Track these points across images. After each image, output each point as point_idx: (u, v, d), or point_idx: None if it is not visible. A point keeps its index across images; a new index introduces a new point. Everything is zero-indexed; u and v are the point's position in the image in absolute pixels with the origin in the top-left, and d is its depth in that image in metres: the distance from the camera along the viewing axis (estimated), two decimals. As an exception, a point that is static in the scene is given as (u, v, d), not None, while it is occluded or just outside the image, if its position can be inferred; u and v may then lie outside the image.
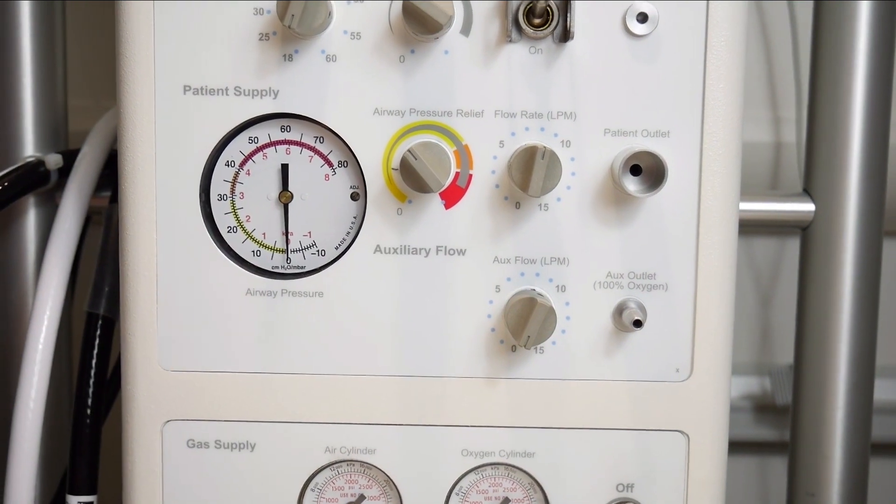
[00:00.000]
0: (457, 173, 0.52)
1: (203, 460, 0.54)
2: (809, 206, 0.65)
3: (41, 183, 0.64)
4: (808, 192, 0.65)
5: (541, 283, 0.53)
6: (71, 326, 0.68)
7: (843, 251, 0.64)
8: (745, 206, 0.64)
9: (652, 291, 0.53)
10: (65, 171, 0.64)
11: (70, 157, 0.63)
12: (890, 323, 0.84)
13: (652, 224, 0.52)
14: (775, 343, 0.96)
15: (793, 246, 0.92)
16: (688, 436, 0.54)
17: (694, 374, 0.53)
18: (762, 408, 0.93)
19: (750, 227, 0.67)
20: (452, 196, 0.52)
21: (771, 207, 0.65)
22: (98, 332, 0.59)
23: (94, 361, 0.59)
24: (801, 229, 0.66)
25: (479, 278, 0.53)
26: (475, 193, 0.52)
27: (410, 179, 0.50)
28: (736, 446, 0.72)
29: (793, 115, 0.87)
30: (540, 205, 0.52)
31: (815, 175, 0.65)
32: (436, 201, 0.52)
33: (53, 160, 0.63)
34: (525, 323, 0.51)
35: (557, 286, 0.53)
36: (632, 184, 0.51)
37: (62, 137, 0.67)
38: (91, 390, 0.59)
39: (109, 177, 0.63)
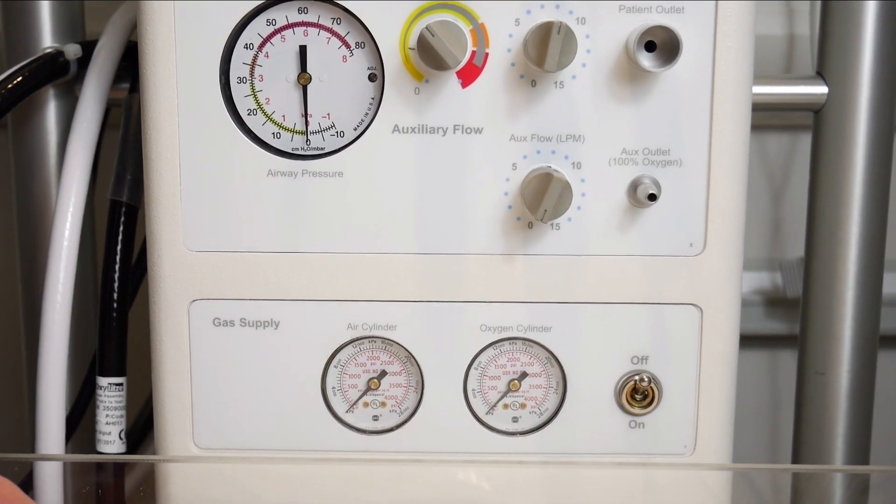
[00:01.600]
0: (473, 52, 0.53)
1: (229, 338, 0.56)
2: (822, 89, 0.65)
3: (60, 74, 0.64)
4: (821, 74, 0.66)
5: (556, 161, 0.54)
6: (94, 217, 0.69)
7: (855, 133, 0.65)
8: (758, 89, 0.64)
9: (666, 167, 0.54)
10: (84, 63, 0.64)
11: (89, 49, 0.64)
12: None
13: (666, 100, 0.53)
14: (786, 238, 0.96)
15: (804, 141, 0.92)
16: (701, 309, 0.55)
17: (707, 249, 0.54)
18: (773, 301, 0.94)
19: (763, 112, 0.68)
20: (469, 75, 0.53)
21: (784, 90, 0.66)
22: (122, 219, 0.61)
23: (119, 247, 0.60)
24: (814, 112, 0.66)
25: (496, 156, 0.54)
26: (491, 72, 0.53)
27: (428, 56, 0.51)
28: (747, 340, 0.74)
29: (806, 6, 0.87)
30: (555, 82, 0.53)
31: (828, 57, 0.65)
32: (452, 80, 0.53)
33: (72, 50, 0.64)
34: (542, 197, 0.52)
35: (573, 163, 0.54)
36: (646, 59, 0.51)
37: (80, 28, 0.68)
38: (117, 275, 0.60)
39: (128, 69, 0.64)
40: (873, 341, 0.67)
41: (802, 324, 0.69)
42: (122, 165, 0.61)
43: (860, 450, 0.68)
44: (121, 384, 0.60)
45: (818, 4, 0.83)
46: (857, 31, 0.64)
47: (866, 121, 0.64)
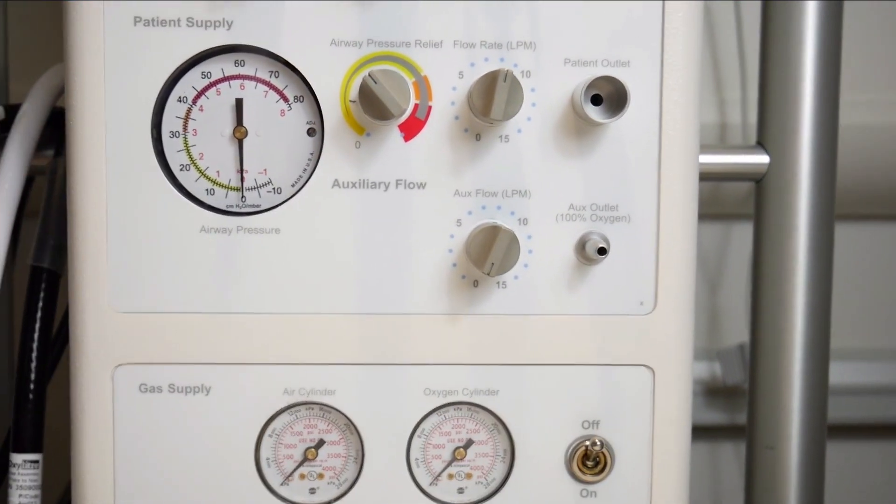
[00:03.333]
0: (416, 105, 0.51)
1: (156, 406, 0.52)
2: (763, 158, 0.65)
3: (-19, 136, 0.62)
4: (761, 144, 0.65)
5: (502, 217, 0.52)
6: (13, 285, 0.66)
7: (797, 200, 0.64)
8: (699, 158, 0.64)
9: (615, 223, 0.52)
10: (6, 126, 0.62)
11: (12, 112, 0.61)
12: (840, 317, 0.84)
13: (614, 155, 0.52)
14: (723, 328, 0.96)
15: (738, 230, 0.92)
16: (653, 370, 0.53)
17: (658, 308, 0.53)
18: (712, 391, 0.93)
19: (703, 183, 0.67)
20: (412, 128, 0.52)
21: (725, 160, 0.65)
22: (43, 286, 0.57)
23: (38, 315, 0.57)
24: (756, 182, 0.66)
25: (440, 212, 0.52)
26: (435, 125, 0.51)
27: (369, 105, 0.49)
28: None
29: (738, 96, 0.88)
30: (500, 136, 0.52)
31: (768, 127, 0.65)
32: (395, 134, 0.52)
33: (-6, 112, 0.61)
34: (488, 251, 0.50)
35: (519, 219, 0.52)
36: (593, 111, 0.50)
37: (3, 89, 0.65)
38: (35, 344, 0.57)
39: (52, 135, 0.62)
40: (822, 403, 0.65)
41: (751, 399, 0.68)
42: (45, 230, 0.58)
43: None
44: (36, 461, 0.56)
45: (749, 94, 0.84)
46: (796, 100, 0.64)
47: (808, 188, 0.64)
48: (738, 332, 0.92)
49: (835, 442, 0.78)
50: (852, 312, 0.93)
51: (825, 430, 0.66)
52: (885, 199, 0.90)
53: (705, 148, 0.65)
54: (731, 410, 0.93)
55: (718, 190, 0.89)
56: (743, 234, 0.91)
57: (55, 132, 0.61)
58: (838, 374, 0.82)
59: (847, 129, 0.70)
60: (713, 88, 0.90)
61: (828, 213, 0.65)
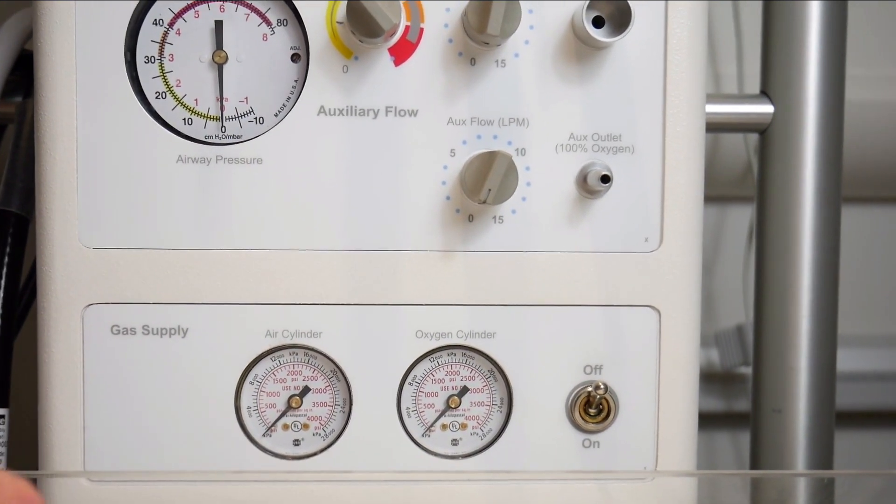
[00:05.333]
0: (407, 27, 0.48)
1: (129, 348, 0.49)
2: (768, 108, 0.62)
3: (-54, 79, 0.58)
4: (765, 93, 0.63)
5: (499, 146, 0.49)
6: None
7: (802, 151, 0.61)
8: (702, 108, 0.61)
9: (618, 154, 0.49)
10: (-28, 67, 0.58)
11: (-21, 53, 0.58)
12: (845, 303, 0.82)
13: (617, 81, 0.49)
14: (719, 313, 0.93)
15: (733, 213, 0.89)
16: (659, 311, 0.50)
17: (664, 244, 0.50)
18: (707, 378, 0.90)
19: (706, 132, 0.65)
20: (403, 51, 0.48)
21: (728, 109, 0.62)
22: (10, 230, 0.54)
23: (5, 261, 0.53)
24: (759, 133, 0.63)
25: (433, 141, 0.49)
26: (427, 49, 0.48)
27: (358, 21, 0.46)
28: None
29: (734, 71, 0.85)
30: (497, 61, 0.49)
31: (772, 75, 0.62)
32: (384, 57, 0.48)
33: (-40, 50, 0.58)
34: (485, 177, 0.47)
35: (517, 149, 0.49)
36: (596, 32, 0.47)
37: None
38: (1, 293, 0.53)
39: (21, 81, 0.58)
40: (831, 372, 0.62)
41: (756, 361, 0.64)
42: (13, 173, 0.55)
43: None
44: (2, 416, 0.53)
45: (745, 69, 0.82)
46: (801, 47, 0.61)
47: (814, 138, 0.61)
48: (734, 316, 0.89)
49: (841, 430, 0.75)
50: (857, 298, 0.90)
51: (834, 389, 0.63)
52: (891, 181, 0.87)
53: (708, 98, 0.62)
54: (727, 397, 0.90)
55: (712, 170, 0.86)
56: (738, 217, 0.89)
57: (24, 78, 0.58)
58: (844, 361, 0.79)
59: (851, 105, 0.67)
60: (708, 62, 0.87)
61: (835, 166, 0.62)
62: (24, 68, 0.58)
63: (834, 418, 0.63)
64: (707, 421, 0.91)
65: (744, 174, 0.83)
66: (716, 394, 0.90)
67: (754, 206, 0.64)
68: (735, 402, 0.90)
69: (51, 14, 0.47)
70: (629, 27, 0.47)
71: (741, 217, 0.87)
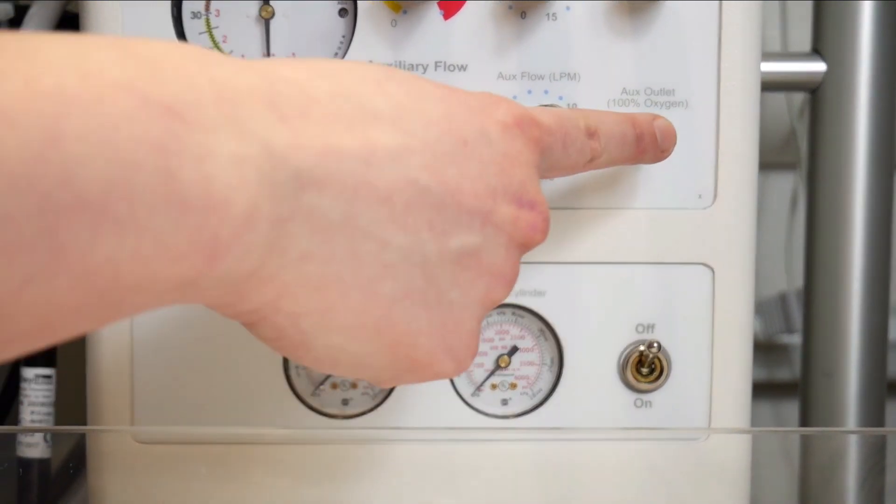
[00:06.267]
0: (457, -21, 0.48)
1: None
2: (820, 66, 0.61)
3: (-11, 37, 0.58)
4: (817, 51, 0.61)
5: (549, 101, 0.48)
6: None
7: (855, 110, 0.60)
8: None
9: (671, 109, 0.48)
10: (15, 26, 0.58)
11: (20, 12, 0.58)
12: None
13: (670, 34, 0.48)
14: (761, 279, 0.92)
15: (773, 181, 0.88)
16: (712, 269, 0.49)
17: (718, 201, 0.49)
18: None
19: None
20: (452, 5, 0.48)
21: (778, 68, 0.61)
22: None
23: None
24: (811, 92, 0.62)
25: (483, 96, 0.48)
26: (477, 2, 0.48)
27: (408, -27, 0.45)
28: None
29: (777, 33, 0.84)
30: (548, 14, 0.48)
31: (824, 33, 0.61)
32: (433, 11, 0.48)
33: (2, 10, 0.58)
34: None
35: (568, 104, 0.48)
36: (649, -17, 0.46)
37: (12, -10, 0.62)
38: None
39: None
40: (883, 335, 0.61)
41: (806, 325, 0.64)
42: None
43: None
44: (49, 376, 0.53)
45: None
46: (854, 4, 0.60)
47: (867, 97, 0.60)
48: (775, 284, 0.88)
49: (892, 399, 0.74)
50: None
51: (885, 355, 0.62)
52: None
53: (758, 56, 0.61)
54: (769, 366, 0.89)
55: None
56: (780, 184, 0.87)
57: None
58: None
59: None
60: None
61: (889, 125, 0.61)
62: (67, 29, 0.57)
63: (885, 384, 0.62)
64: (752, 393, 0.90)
65: (786, 139, 0.82)
66: (758, 362, 0.89)
67: (797, 173, 0.63)
68: (777, 370, 0.89)
69: (97, -31, 0.47)
70: (684, -22, 0.46)
71: (783, 184, 0.86)
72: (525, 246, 0.38)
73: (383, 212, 0.33)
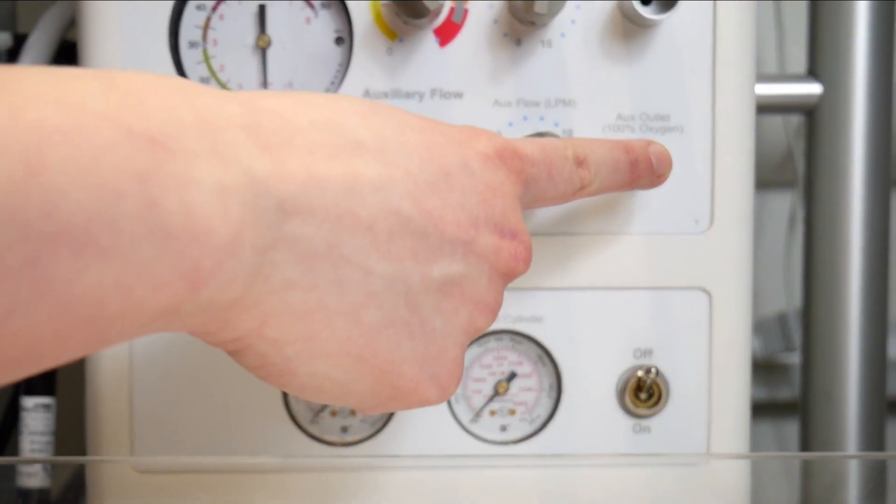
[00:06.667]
0: (452, 7, 0.48)
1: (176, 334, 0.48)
2: (816, 88, 0.61)
3: (-12, 67, 0.58)
4: (813, 72, 0.62)
5: (545, 127, 0.48)
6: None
7: (851, 131, 0.60)
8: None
9: (666, 134, 0.48)
10: (13, 57, 0.58)
11: (19, 42, 0.58)
12: None
13: (664, 60, 0.48)
14: (759, 299, 0.92)
15: (772, 200, 0.88)
16: (709, 293, 0.49)
17: (714, 225, 0.49)
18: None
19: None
20: (447, 32, 0.48)
21: (774, 90, 0.61)
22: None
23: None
24: (807, 113, 0.62)
25: (478, 123, 0.48)
26: (472, 29, 0.48)
27: (403, 3, 0.45)
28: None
29: (772, 55, 0.84)
30: (542, 41, 0.48)
31: (820, 54, 0.61)
32: (429, 39, 0.48)
33: (1, 39, 0.58)
34: (533, 158, 0.46)
35: (563, 130, 0.48)
36: (643, 9, 0.47)
37: (10, 21, 0.62)
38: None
39: (63, 70, 0.58)
40: (882, 354, 0.61)
41: (806, 344, 0.64)
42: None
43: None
44: (48, 405, 0.53)
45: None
46: (850, 25, 0.60)
47: (864, 118, 0.60)
48: (774, 303, 0.88)
49: (893, 419, 0.74)
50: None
51: (885, 375, 0.62)
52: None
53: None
54: (770, 386, 0.89)
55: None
56: (777, 203, 0.87)
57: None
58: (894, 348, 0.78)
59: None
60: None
61: (885, 147, 0.61)
62: (66, 59, 0.58)
63: (885, 404, 0.62)
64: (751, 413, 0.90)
65: (783, 160, 0.82)
66: (758, 382, 0.89)
67: (795, 192, 0.63)
68: (777, 390, 0.89)
69: (94, 4, 0.47)
70: (677, 4, 0.46)
71: (780, 203, 0.86)
72: (507, 276, 0.38)
73: (366, 240, 0.33)
